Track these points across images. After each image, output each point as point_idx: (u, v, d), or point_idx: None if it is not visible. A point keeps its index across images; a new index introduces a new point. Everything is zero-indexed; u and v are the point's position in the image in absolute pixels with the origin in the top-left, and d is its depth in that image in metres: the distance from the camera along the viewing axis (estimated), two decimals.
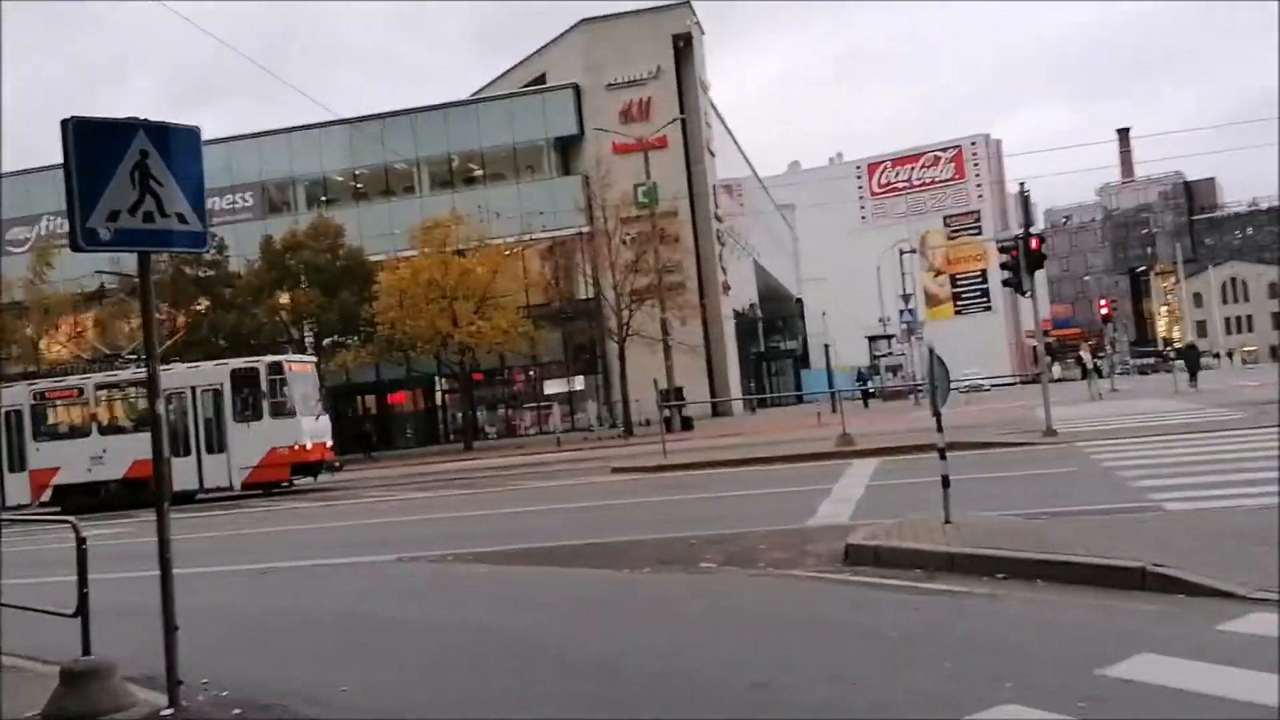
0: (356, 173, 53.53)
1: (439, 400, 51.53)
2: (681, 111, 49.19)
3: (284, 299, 41.15)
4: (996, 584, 6.98)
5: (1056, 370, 63.73)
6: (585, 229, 45.11)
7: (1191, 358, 36.71)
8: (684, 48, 51.59)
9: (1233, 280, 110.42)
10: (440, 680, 5.91)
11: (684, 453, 22.59)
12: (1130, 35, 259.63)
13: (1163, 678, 4.58)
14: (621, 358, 40.12)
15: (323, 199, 52.43)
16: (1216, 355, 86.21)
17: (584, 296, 47.30)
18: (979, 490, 11.54)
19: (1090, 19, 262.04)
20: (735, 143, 65.14)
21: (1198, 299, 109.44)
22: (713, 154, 53.32)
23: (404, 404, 52.82)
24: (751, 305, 62.76)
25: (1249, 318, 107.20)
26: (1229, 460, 12.49)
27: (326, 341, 41.13)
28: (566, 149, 51.63)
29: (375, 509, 18.84)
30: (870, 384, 51.55)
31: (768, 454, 20.43)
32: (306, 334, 41.90)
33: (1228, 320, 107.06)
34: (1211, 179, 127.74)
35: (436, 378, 48.36)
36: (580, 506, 15.53)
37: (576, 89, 51.00)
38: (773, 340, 69.64)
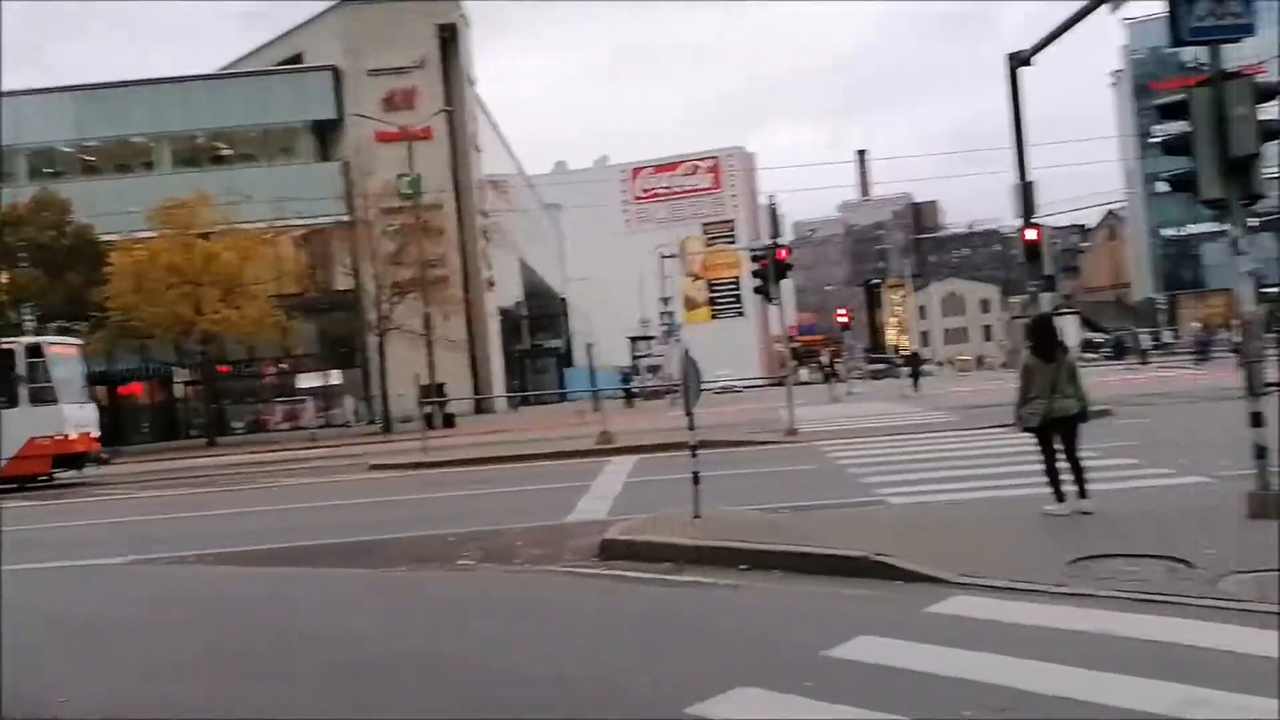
0: (88, 144, 49.15)
1: (179, 393, 48.22)
2: (448, 104, 48.46)
3: (1, 279, 37.26)
4: (740, 575, 7.43)
5: (804, 374, 67.75)
6: (345, 217, 43.60)
7: (915, 365, 40.25)
8: (450, 39, 50.86)
9: (952, 295, 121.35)
10: (168, 683, 5.62)
11: (445, 450, 22.36)
12: (874, 61, 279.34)
13: (877, 657, 5.07)
14: (381, 352, 39.08)
15: (48, 171, 47.75)
16: (939, 364, 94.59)
17: (343, 288, 45.65)
18: (728, 486, 12.15)
19: (841, 43, 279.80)
20: (502, 139, 64.92)
21: (922, 311, 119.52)
22: (478, 149, 52.86)
23: (139, 396, 48.98)
24: (517, 303, 62.76)
25: (965, 329, 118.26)
26: (944, 458, 13.85)
27: (51, 326, 37.50)
28: (325, 134, 49.62)
29: (112, 508, 17.43)
30: (632, 383, 52.84)
31: (530, 451, 20.59)
32: (26, 317, 38.06)
33: (947, 331, 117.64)
34: (934, 202, 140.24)
35: (175, 368, 45.24)
36: (334, 505, 15.09)
37: (335, 71, 49.12)
38: (537, 338, 69.98)
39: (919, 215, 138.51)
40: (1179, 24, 8.09)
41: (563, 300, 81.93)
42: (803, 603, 6.57)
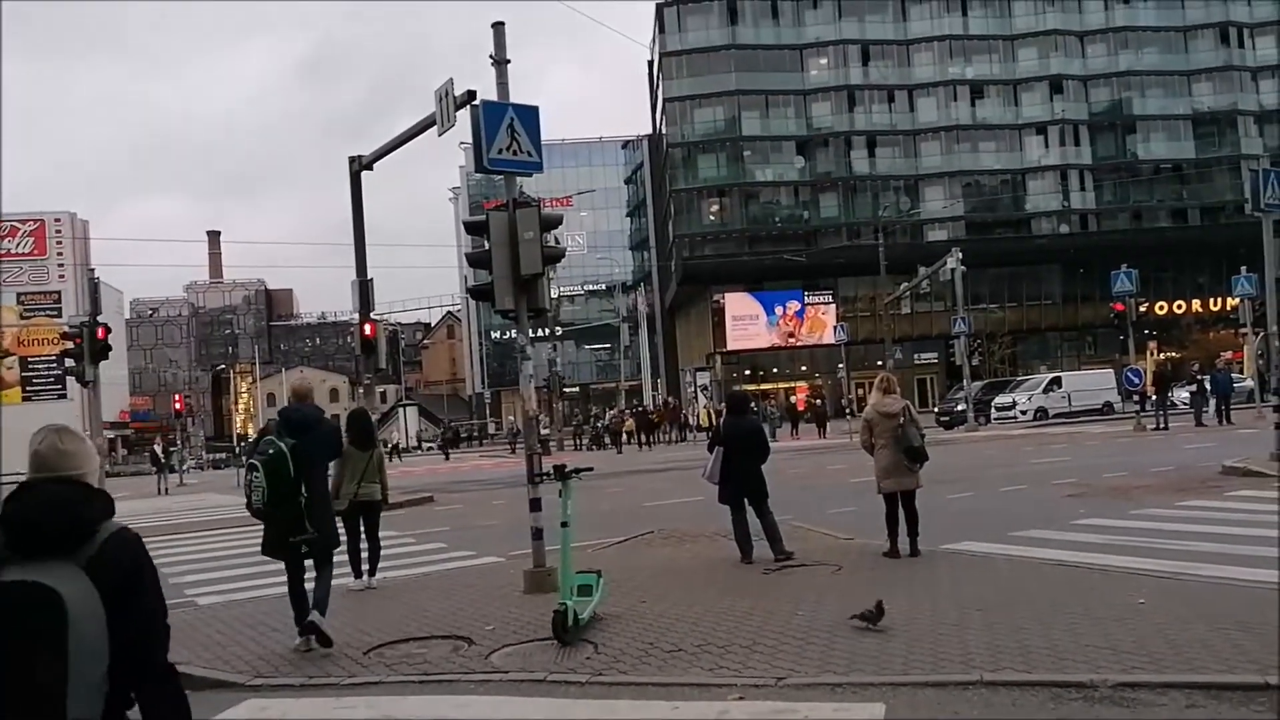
0: None
1: None
2: None
3: None
4: None
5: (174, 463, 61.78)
6: None
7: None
8: None
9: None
10: None
11: None
12: (237, 145, 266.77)
13: None
14: None
15: None
16: None
17: None
18: None
19: (208, 125, 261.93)
20: None
21: (271, 399, 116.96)
22: None
23: None
24: None
25: None
26: (248, 554, 13.41)
27: None
28: None
29: None
30: None
31: None
32: None
33: None
34: (290, 290, 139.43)
35: None
36: None
37: None
38: None
39: (272, 302, 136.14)
40: (481, 155, 9.17)
41: None
42: None
